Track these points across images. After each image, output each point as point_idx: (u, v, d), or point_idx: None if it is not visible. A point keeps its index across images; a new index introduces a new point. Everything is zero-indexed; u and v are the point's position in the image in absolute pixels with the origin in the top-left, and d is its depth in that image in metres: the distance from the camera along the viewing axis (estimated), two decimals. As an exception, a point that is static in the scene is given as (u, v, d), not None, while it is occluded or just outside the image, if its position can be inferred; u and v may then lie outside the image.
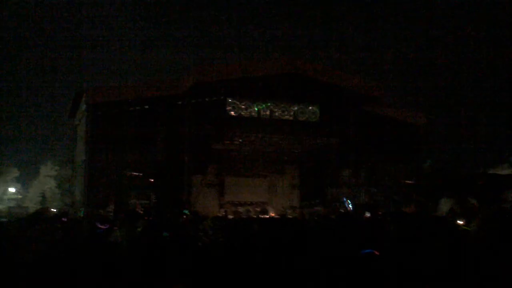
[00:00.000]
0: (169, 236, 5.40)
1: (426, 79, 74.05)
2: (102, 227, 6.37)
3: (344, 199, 21.05)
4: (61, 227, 6.39)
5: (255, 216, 20.86)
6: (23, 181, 41.98)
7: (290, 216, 18.65)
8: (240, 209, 23.67)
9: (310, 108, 21.10)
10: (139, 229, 5.82)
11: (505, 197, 21.86)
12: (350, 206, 20.33)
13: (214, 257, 4.07)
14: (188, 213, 12.91)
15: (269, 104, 20.51)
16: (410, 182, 23.46)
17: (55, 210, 19.68)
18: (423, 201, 20.65)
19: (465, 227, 3.35)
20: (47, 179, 39.60)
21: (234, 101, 20.10)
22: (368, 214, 11.72)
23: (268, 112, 20.55)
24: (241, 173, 25.17)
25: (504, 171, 27.31)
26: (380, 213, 11.57)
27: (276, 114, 20.71)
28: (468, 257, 2.34)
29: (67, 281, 3.21)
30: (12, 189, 38.15)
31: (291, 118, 20.95)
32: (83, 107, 19.51)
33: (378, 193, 22.32)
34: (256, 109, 20.32)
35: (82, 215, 17.54)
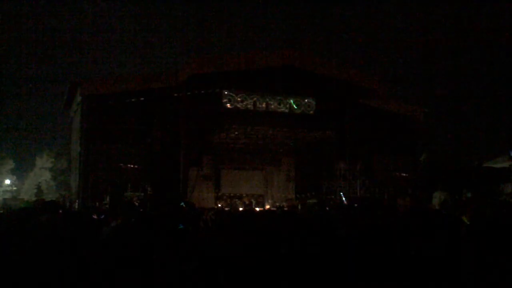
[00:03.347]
0: (168, 227, 5.43)
1: (424, 71, 73.91)
2: (99, 218, 6.41)
3: (341, 194, 21.09)
4: (59, 219, 6.41)
5: (251, 208, 20.89)
6: (19, 173, 41.92)
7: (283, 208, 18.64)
8: (236, 201, 23.74)
9: (306, 100, 21.06)
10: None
11: (501, 190, 21.98)
12: (344, 199, 20.40)
13: (214, 247, 4.11)
14: (185, 206, 12.95)
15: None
16: (405, 175, 23.53)
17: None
18: (418, 194, 20.75)
19: (464, 218, 3.38)
20: (42, 171, 39.55)
21: (230, 93, 20.07)
22: (356, 205, 11.84)
23: (264, 105, 20.51)
24: (237, 166, 25.24)
25: (503, 163, 27.33)
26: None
27: (272, 106, 20.67)
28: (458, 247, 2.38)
29: (66, 272, 3.24)
30: (7, 181, 38.08)
31: (287, 110, 20.91)
32: (78, 98, 19.43)
33: (373, 186, 22.38)
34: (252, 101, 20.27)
35: (78, 207, 17.57)
